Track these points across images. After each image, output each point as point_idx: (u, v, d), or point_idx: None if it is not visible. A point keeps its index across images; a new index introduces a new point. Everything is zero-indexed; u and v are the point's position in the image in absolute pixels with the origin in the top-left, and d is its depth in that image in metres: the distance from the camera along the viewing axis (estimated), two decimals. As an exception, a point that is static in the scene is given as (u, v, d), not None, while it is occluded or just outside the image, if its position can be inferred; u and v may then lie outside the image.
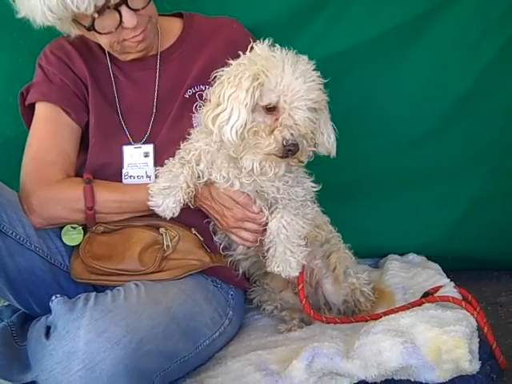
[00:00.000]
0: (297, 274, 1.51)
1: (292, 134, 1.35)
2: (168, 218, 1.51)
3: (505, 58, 1.85)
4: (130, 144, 1.64)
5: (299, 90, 1.36)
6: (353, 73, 1.90)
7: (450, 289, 1.62)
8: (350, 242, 1.76)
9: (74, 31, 1.56)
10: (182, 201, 1.48)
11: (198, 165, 1.49)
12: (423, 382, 1.32)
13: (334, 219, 1.73)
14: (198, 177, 1.50)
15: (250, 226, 1.53)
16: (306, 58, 1.43)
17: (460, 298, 1.54)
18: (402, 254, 2.02)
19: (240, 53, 1.44)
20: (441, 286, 1.62)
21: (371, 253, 2.04)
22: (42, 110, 1.65)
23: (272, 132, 1.37)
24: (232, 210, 1.51)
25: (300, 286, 1.56)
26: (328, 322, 1.61)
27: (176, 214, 1.50)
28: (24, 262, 1.51)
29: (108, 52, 1.66)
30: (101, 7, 1.44)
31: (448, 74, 1.88)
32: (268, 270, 1.53)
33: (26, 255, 1.51)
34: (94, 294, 1.36)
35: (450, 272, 1.82)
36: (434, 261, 1.95)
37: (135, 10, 1.49)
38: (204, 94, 1.53)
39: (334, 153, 1.51)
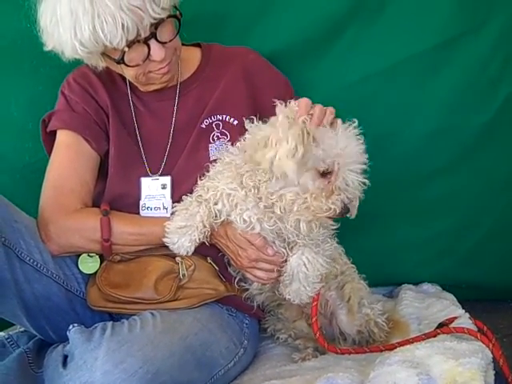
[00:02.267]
0: (308, 301, 1.52)
1: (348, 198, 1.38)
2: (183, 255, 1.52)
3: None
4: (147, 175, 1.65)
5: (354, 153, 1.38)
6: (370, 103, 1.89)
7: (465, 320, 1.62)
8: (364, 271, 1.75)
9: (102, 64, 1.58)
10: (197, 240, 1.49)
11: (215, 204, 1.49)
12: (438, 414, 1.32)
13: (349, 248, 1.74)
14: (216, 216, 1.50)
15: (264, 266, 1.53)
16: (355, 120, 1.44)
17: (475, 329, 1.54)
18: (416, 283, 2.02)
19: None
20: (456, 317, 1.61)
21: (385, 281, 2.04)
22: (63, 137, 1.67)
23: (330, 196, 1.38)
24: (247, 251, 1.51)
25: (314, 319, 1.56)
26: (342, 353, 1.60)
27: (190, 253, 1.51)
28: (41, 288, 1.52)
29: (129, 82, 1.68)
30: (132, 41, 1.47)
31: (468, 105, 1.88)
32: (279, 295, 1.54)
33: (42, 281, 1.53)
34: (110, 323, 1.37)
35: (464, 303, 1.81)
36: (449, 290, 1.94)
37: (163, 43, 1.52)
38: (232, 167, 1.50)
39: (354, 214, 1.48)
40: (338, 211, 1.38)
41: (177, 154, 1.66)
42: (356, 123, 1.43)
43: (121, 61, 1.51)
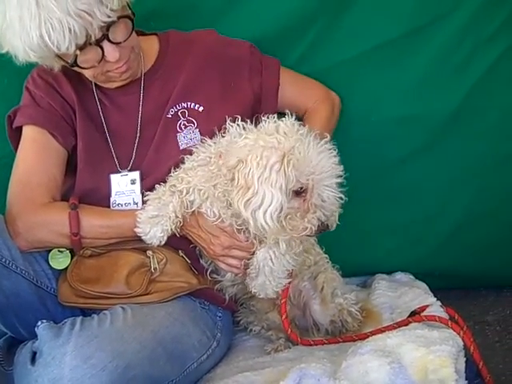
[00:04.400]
0: (274, 296, 1.51)
1: (325, 215, 1.36)
2: (155, 246, 1.51)
3: (493, 77, 1.87)
4: (117, 171, 1.63)
5: (327, 169, 1.35)
6: (341, 89, 1.90)
7: (436, 308, 1.63)
8: (337, 261, 1.76)
9: (57, 65, 1.56)
10: (169, 230, 1.48)
11: (188, 193, 1.48)
12: (410, 401, 1.32)
13: (321, 238, 1.72)
14: (187, 207, 1.49)
15: (238, 254, 1.53)
16: (326, 135, 1.42)
17: (447, 317, 1.54)
18: (389, 273, 2.02)
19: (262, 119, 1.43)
20: (427, 306, 1.62)
21: (359, 271, 2.05)
22: (30, 132, 1.64)
23: (305, 215, 1.36)
24: (219, 238, 1.50)
25: (284, 316, 1.56)
26: (316, 345, 1.60)
27: (163, 243, 1.50)
28: (10, 284, 1.49)
29: None
30: (82, 44, 1.44)
31: (437, 92, 1.89)
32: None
33: (11, 278, 1.50)
34: (80, 318, 1.36)
35: (437, 291, 1.82)
36: (422, 279, 1.95)
37: (117, 44, 1.49)
38: (209, 166, 1.48)
39: (333, 228, 1.46)
40: (314, 229, 1.37)
41: (145, 147, 1.64)
42: (328, 138, 1.41)
43: (74, 64, 1.49)
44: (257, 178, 1.32)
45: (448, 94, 1.89)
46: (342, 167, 1.39)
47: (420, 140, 1.94)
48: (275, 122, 1.41)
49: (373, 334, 1.52)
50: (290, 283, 1.55)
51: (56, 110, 1.64)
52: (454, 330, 1.43)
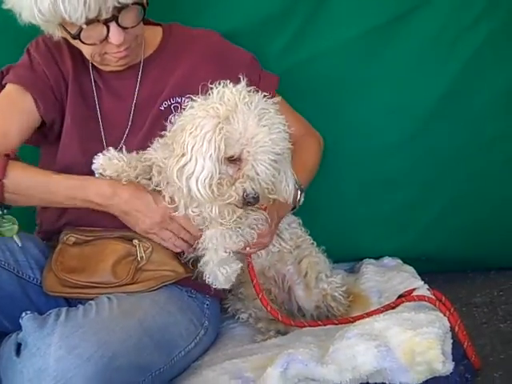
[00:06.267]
0: (227, 287, 1.49)
1: (253, 188, 1.34)
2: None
3: (479, 62, 1.88)
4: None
5: (264, 142, 1.32)
6: (326, 77, 1.91)
7: (423, 291, 1.62)
8: (325, 247, 1.76)
9: (58, 34, 1.55)
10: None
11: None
12: (398, 384, 1.33)
13: (308, 223, 1.74)
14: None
15: (174, 227, 1.51)
16: (276, 107, 1.39)
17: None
18: (377, 258, 2.03)
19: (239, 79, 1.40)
20: (415, 289, 1.62)
21: (347, 256, 2.05)
22: (11, 90, 1.63)
23: (234, 183, 1.35)
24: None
25: (254, 281, 1.55)
26: (296, 326, 1.61)
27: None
28: None
29: None
30: (91, 19, 1.44)
31: (422, 78, 1.90)
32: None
33: None
34: (65, 309, 1.35)
35: (425, 275, 1.83)
36: (409, 263, 1.95)
37: (124, 28, 1.49)
38: (166, 139, 1.49)
39: (290, 201, 1.48)
40: (238, 198, 1.34)
41: (134, 135, 1.63)
42: (275, 109, 1.38)
43: (77, 36, 1.48)
44: (191, 146, 1.33)
45: (433, 81, 1.90)
46: (282, 144, 1.36)
47: (406, 127, 1.94)
48: (223, 88, 1.39)
49: (356, 319, 1.53)
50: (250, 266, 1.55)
51: (48, 79, 1.63)
52: (441, 311, 1.44)
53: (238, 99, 1.35)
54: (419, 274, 1.85)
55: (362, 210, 2.03)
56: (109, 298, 1.43)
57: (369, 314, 1.53)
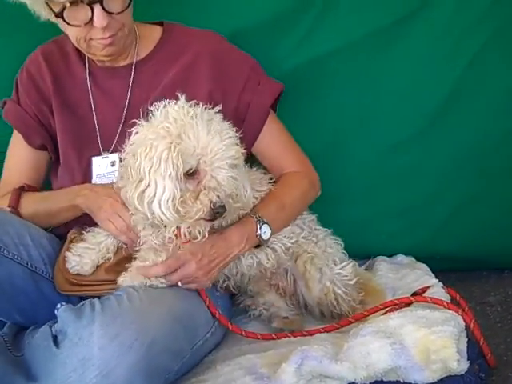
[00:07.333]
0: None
1: (218, 196, 1.33)
2: None
3: (485, 59, 1.87)
4: (99, 153, 1.65)
5: (218, 150, 1.32)
6: (335, 77, 1.91)
7: (438, 289, 1.63)
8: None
9: (45, 14, 1.55)
10: None
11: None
12: (412, 382, 1.32)
13: (321, 221, 1.75)
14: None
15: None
16: (219, 115, 1.40)
17: (448, 298, 1.55)
18: (390, 256, 2.02)
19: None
20: (429, 287, 1.63)
21: (360, 254, 2.02)
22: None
23: (197, 197, 1.34)
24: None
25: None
26: (279, 338, 1.60)
27: None
28: (1, 270, 1.48)
29: (87, 59, 1.68)
30: None
31: (430, 76, 1.89)
32: None
33: (3, 263, 1.49)
34: (97, 299, 1.35)
35: (439, 273, 1.83)
36: (423, 262, 1.95)
37: (109, 13, 1.49)
38: (119, 169, 1.51)
39: (250, 206, 1.49)
40: (206, 210, 1.33)
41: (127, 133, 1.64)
42: (219, 116, 1.39)
43: (60, 15, 1.49)
44: (148, 169, 1.33)
45: (440, 80, 1.89)
46: (235, 149, 1.36)
47: (416, 124, 1.94)
48: (164, 108, 1.39)
49: (370, 312, 1.54)
50: None
51: (30, 107, 1.70)
52: (451, 310, 1.44)
53: (183, 115, 1.36)
54: (433, 272, 1.84)
55: (374, 207, 2.03)
56: (133, 288, 1.42)
57: (382, 307, 1.53)
